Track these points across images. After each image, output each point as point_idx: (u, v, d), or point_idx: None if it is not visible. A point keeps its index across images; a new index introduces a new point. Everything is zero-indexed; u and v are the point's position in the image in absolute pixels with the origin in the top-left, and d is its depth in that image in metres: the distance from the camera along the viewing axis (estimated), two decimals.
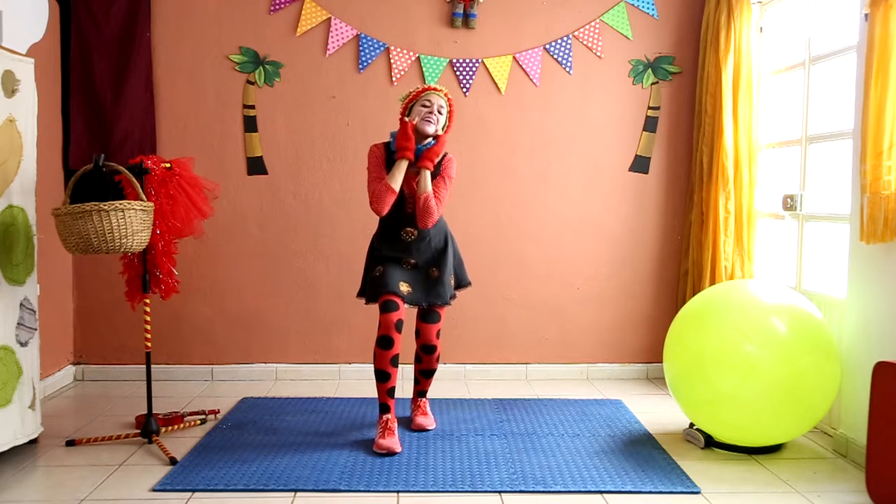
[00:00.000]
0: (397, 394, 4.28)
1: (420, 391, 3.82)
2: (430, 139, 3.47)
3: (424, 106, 3.44)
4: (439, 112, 3.45)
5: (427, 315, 3.59)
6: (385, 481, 3.04)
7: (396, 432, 3.45)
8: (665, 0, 4.64)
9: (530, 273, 4.70)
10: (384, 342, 3.37)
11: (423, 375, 3.76)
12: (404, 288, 3.45)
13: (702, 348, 3.31)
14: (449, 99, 3.51)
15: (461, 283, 3.70)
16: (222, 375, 4.65)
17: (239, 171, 4.59)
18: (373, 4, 4.57)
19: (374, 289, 3.47)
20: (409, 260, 3.52)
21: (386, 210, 3.39)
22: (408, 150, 3.38)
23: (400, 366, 4.52)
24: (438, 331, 3.61)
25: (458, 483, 3.03)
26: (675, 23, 4.66)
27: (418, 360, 3.72)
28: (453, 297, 3.61)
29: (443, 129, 3.51)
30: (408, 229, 3.50)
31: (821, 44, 3.83)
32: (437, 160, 3.44)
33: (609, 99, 4.67)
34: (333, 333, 4.67)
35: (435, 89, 3.48)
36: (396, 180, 3.38)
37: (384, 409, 3.47)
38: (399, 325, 3.38)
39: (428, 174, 3.41)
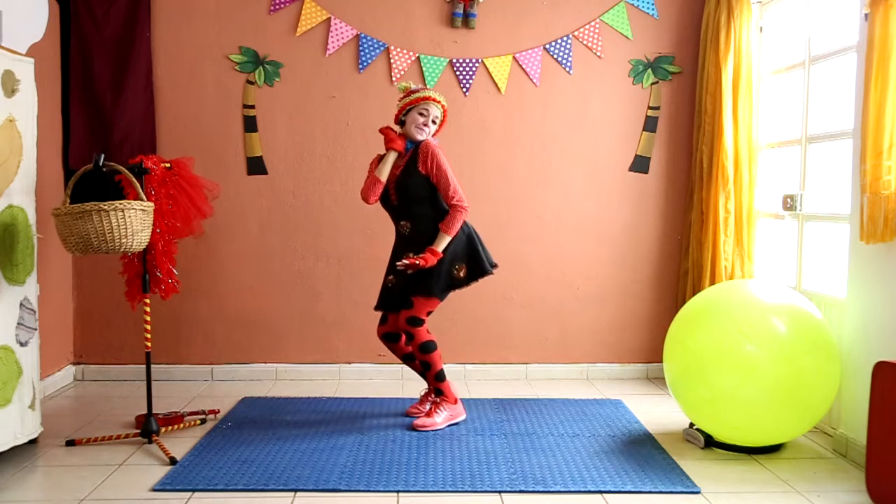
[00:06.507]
0: (400, 394, 4.33)
1: (432, 389, 3.82)
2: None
3: (421, 115, 3.63)
4: (433, 122, 3.67)
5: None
6: (385, 481, 3.04)
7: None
8: (665, 0, 4.64)
9: (530, 273, 4.70)
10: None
11: (405, 360, 3.87)
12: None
13: (702, 348, 3.31)
14: (444, 108, 3.70)
15: (482, 271, 3.71)
16: (222, 375, 4.65)
17: (239, 171, 4.59)
18: (373, 4, 4.57)
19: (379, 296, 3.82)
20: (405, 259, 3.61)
21: (372, 199, 3.65)
22: (395, 142, 3.62)
23: (400, 366, 4.56)
24: (408, 318, 3.63)
25: (458, 483, 3.03)
26: (675, 23, 4.66)
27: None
28: (470, 279, 3.71)
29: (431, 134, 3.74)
30: (402, 223, 3.70)
31: (821, 44, 3.83)
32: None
33: (609, 99, 4.67)
34: (333, 333, 4.67)
35: (434, 100, 3.64)
36: (383, 172, 3.63)
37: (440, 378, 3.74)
38: (387, 337, 3.80)
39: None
